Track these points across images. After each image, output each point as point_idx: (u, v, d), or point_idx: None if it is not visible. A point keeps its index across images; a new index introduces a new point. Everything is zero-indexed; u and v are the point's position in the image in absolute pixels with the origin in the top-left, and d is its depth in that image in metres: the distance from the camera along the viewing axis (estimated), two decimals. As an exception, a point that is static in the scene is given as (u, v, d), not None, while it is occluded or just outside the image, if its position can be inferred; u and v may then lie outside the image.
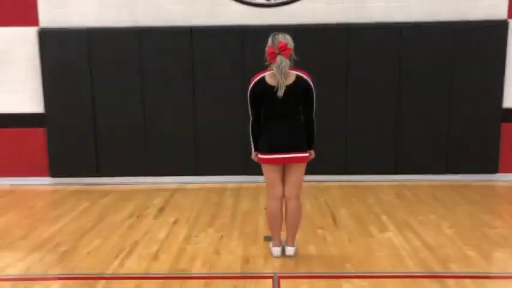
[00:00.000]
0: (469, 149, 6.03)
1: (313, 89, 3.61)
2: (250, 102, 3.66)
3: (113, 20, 5.96)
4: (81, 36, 5.91)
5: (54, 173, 6.24)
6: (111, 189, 5.99)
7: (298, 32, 5.59)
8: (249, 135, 3.75)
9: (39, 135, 6.17)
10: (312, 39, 5.79)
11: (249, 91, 3.65)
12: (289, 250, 3.85)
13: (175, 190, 5.92)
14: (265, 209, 5.09)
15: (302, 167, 3.73)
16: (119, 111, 6.06)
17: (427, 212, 4.91)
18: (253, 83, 3.64)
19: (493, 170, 6.10)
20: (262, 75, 3.62)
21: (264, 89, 3.58)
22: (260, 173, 5.97)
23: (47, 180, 6.26)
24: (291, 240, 3.86)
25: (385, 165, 6.13)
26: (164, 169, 6.20)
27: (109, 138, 6.11)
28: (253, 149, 3.79)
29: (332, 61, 5.91)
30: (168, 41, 5.93)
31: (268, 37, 3.60)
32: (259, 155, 3.72)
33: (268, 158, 3.67)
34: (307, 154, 3.69)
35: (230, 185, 6.07)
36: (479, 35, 5.84)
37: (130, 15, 5.97)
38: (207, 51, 5.91)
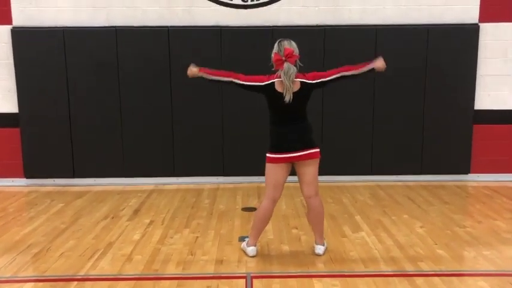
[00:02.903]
0: (442, 150, 6.15)
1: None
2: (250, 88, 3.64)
3: (88, 19, 5.91)
4: (56, 36, 5.84)
5: (28, 174, 6.15)
6: (86, 190, 5.92)
7: (274, 33, 5.67)
8: None
9: (13, 135, 6.07)
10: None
11: (257, 84, 3.62)
12: (319, 248, 3.87)
13: (152, 191, 5.89)
14: (242, 209, 5.12)
15: (315, 163, 3.75)
16: (95, 111, 6.00)
17: (400, 212, 5.00)
18: (265, 82, 3.60)
19: (465, 170, 6.23)
20: (272, 80, 3.61)
21: (272, 94, 3.60)
22: (237, 174, 6.11)
23: (22, 181, 6.16)
24: (320, 239, 3.89)
25: (360, 166, 6.20)
26: (140, 170, 6.15)
27: (84, 139, 6.04)
28: None
29: (308, 63, 5.91)
30: (144, 41, 5.90)
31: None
32: (268, 154, 3.70)
33: (277, 158, 3.65)
34: (318, 149, 3.72)
35: (207, 186, 6.07)
36: (452, 38, 5.96)
37: (106, 15, 5.92)
38: (184, 51, 5.90)
